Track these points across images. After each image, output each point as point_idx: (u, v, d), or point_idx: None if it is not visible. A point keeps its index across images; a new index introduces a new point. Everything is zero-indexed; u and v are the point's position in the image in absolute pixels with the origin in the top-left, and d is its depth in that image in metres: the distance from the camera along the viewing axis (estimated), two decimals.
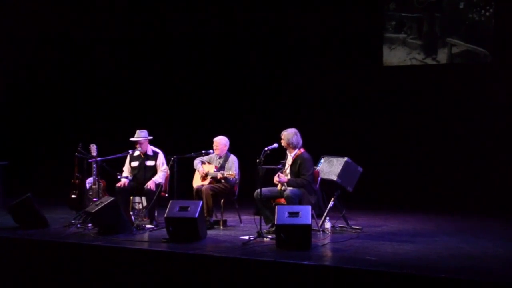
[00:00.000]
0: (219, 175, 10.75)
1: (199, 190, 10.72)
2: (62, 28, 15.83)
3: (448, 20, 13.50)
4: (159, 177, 10.93)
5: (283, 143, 10.09)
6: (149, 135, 11.14)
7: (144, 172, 11.04)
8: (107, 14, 15.56)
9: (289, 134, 10.05)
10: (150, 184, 10.76)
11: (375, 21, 14.02)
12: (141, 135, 11.06)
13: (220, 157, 11.08)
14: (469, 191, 13.08)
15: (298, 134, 10.11)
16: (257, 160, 9.60)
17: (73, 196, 11.74)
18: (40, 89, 16.37)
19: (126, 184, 10.83)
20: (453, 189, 13.17)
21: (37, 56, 16.19)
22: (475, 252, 8.66)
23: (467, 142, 13.30)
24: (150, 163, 11.10)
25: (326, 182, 10.44)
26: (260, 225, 9.55)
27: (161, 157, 11.13)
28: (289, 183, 9.90)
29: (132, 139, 11.07)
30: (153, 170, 11.05)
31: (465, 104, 13.35)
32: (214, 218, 10.81)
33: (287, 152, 10.22)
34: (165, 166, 11.08)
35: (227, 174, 10.68)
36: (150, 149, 11.17)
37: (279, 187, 10.04)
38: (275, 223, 8.96)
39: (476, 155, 13.24)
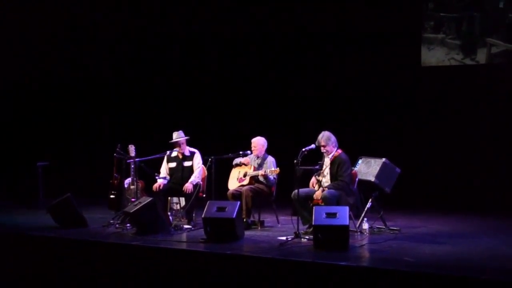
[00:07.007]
0: (260, 173, 10.75)
1: (234, 194, 10.76)
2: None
3: (487, 20, 13.35)
4: (195, 177, 10.94)
5: (322, 149, 10.06)
6: (185, 135, 11.18)
7: (182, 173, 11.07)
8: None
9: (325, 137, 10.03)
10: (188, 187, 10.76)
11: (413, 21, 13.91)
12: (180, 136, 11.10)
13: (258, 158, 11.08)
14: (509, 192, 12.90)
15: (332, 135, 10.09)
16: (295, 161, 9.60)
17: (111, 196, 11.83)
18: (80, 89, 16.54)
19: (161, 186, 10.88)
20: (493, 190, 12.99)
21: (78, 57, 16.40)
22: None
23: (508, 142, 13.13)
24: (187, 163, 11.12)
25: (364, 183, 10.41)
26: (298, 225, 9.53)
27: (197, 157, 11.15)
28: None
29: (172, 141, 11.10)
30: (191, 171, 11.06)
31: (505, 104, 13.19)
32: (252, 219, 10.83)
33: (324, 153, 10.19)
34: (200, 164, 11.09)
35: (270, 171, 10.67)
36: (187, 149, 11.20)
37: (316, 187, 10.02)
38: (313, 223, 8.94)
39: None
